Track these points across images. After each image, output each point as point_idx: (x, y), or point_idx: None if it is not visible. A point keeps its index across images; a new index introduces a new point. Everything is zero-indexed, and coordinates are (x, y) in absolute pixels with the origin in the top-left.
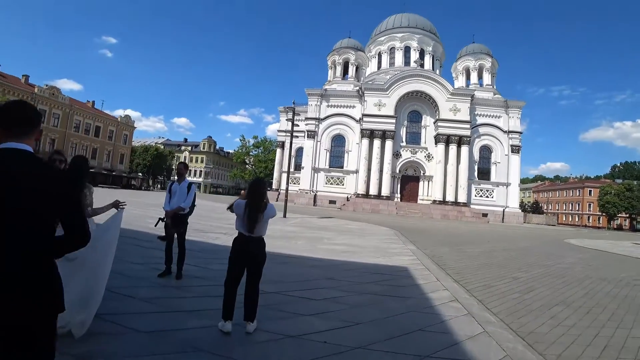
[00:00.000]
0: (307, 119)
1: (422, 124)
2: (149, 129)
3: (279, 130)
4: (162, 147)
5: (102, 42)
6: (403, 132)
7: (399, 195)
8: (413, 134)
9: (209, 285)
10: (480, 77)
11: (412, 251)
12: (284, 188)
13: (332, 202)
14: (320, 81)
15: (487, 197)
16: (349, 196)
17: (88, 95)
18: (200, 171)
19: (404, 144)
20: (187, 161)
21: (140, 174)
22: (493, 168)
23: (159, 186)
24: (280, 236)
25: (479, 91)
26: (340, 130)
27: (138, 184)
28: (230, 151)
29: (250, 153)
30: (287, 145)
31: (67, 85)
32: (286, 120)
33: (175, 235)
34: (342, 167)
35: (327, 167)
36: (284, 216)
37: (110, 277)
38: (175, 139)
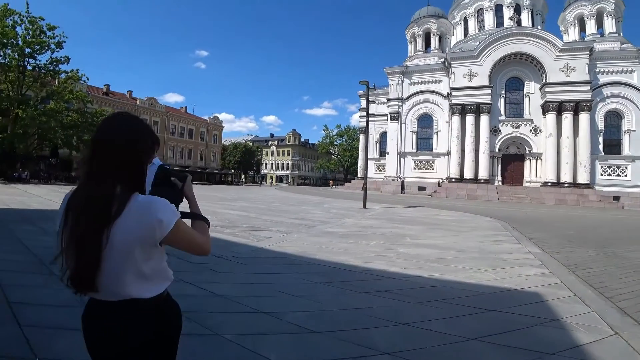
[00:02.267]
0: (388, 100)
1: (525, 92)
2: (242, 128)
3: (360, 116)
4: (251, 143)
5: (196, 56)
6: (501, 103)
7: (499, 178)
8: (514, 105)
9: None
10: (599, 25)
11: (536, 256)
12: (370, 176)
13: (421, 188)
14: (400, 59)
15: (617, 175)
16: (440, 181)
17: (189, 104)
18: (287, 164)
19: (502, 117)
20: (274, 156)
21: (232, 170)
22: (625, 138)
23: (243, 181)
24: (349, 234)
25: (599, 42)
26: (427, 109)
27: (231, 179)
28: (315, 142)
29: (335, 143)
30: (370, 131)
31: (172, 98)
32: (364, 101)
33: None
34: (430, 150)
35: (414, 150)
36: (364, 207)
37: None
38: (263, 136)
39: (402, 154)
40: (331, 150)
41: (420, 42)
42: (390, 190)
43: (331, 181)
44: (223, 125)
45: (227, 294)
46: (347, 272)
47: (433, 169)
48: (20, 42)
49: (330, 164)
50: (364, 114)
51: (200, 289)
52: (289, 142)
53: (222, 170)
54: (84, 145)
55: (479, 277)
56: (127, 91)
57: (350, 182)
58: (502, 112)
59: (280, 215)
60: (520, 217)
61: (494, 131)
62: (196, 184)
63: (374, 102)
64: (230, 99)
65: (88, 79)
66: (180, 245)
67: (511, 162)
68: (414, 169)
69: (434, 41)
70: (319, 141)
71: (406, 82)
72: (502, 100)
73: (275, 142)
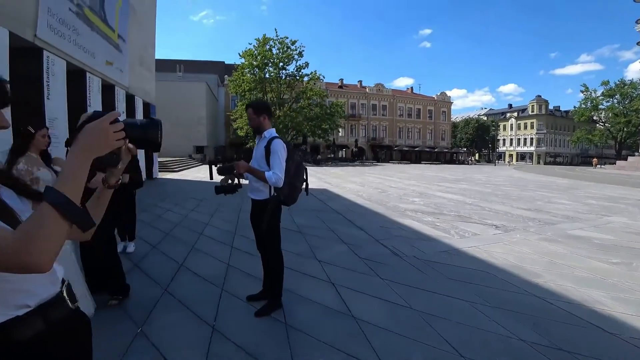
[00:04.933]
0: None
1: None
2: (475, 103)
3: None
4: (485, 118)
5: (420, 37)
6: None
7: None
8: None
9: None
10: None
11: None
12: None
13: None
14: None
15: None
16: None
17: (417, 85)
18: (530, 138)
19: None
20: (513, 130)
21: (463, 148)
22: None
23: (471, 160)
24: (615, 244)
25: None
26: None
27: (462, 158)
28: (569, 110)
29: (600, 106)
30: None
31: (402, 82)
32: None
33: None
34: None
35: None
36: None
37: None
38: (499, 108)
39: None
40: (594, 118)
41: None
42: None
43: (594, 159)
44: (452, 101)
45: (370, 321)
46: (598, 334)
47: None
48: (275, 60)
49: (593, 135)
50: None
51: (339, 299)
52: (532, 111)
53: (453, 148)
54: (323, 132)
55: None
56: (358, 81)
57: (627, 159)
58: None
59: (507, 202)
60: None
61: None
62: (424, 163)
63: None
64: (459, 73)
65: (324, 77)
66: None
67: None
68: None
69: None
70: (574, 107)
71: None
72: None
73: (515, 114)
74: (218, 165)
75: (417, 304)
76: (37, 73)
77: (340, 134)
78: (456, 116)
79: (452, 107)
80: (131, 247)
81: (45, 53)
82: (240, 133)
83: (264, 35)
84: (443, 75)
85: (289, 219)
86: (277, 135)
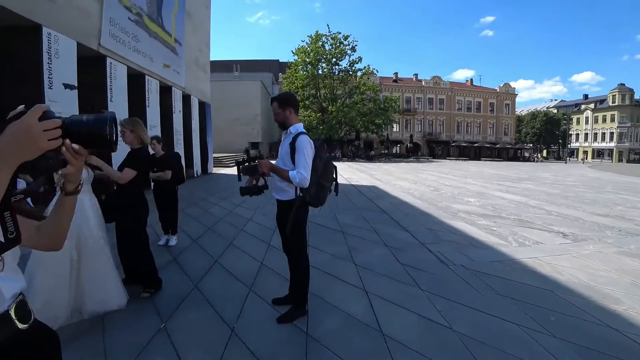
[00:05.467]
0: None
1: None
2: (544, 94)
3: None
4: (555, 110)
5: (481, 25)
6: None
7: None
8: None
9: None
10: None
11: None
12: None
13: None
14: None
15: None
16: None
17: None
18: (610, 133)
19: None
20: (588, 123)
21: (529, 144)
22: None
23: (538, 157)
24: None
25: None
26: None
27: (528, 154)
28: None
29: None
30: None
31: (462, 74)
32: None
33: None
34: None
35: None
36: None
37: None
38: (572, 99)
39: None
40: None
41: None
42: None
43: None
44: (516, 93)
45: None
46: None
47: None
48: (328, 56)
49: None
50: None
51: (369, 310)
52: (612, 102)
53: (517, 144)
54: (377, 128)
55: None
56: (413, 75)
57: None
58: None
59: (579, 206)
60: None
61: None
62: (484, 160)
63: None
64: (526, 63)
65: (378, 72)
66: None
67: None
68: None
69: None
70: None
71: None
72: None
73: (591, 105)
74: (242, 166)
75: (459, 324)
76: (101, 78)
77: (394, 130)
78: (521, 109)
79: (517, 99)
80: (173, 241)
81: (108, 60)
82: None
83: (317, 31)
84: (507, 66)
85: (332, 217)
86: (303, 131)
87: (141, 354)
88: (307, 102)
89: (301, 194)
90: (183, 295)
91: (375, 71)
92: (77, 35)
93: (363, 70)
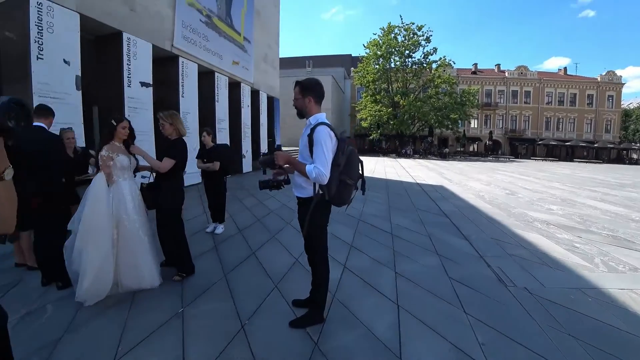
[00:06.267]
0: None
1: None
2: None
3: None
4: None
5: (580, 5)
6: None
7: None
8: None
9: None
10: None
11: None
12: None
13: None
14: None
15: None
16: None
17: (573, 66)
18: None
19: None
20: None
21: (637, 144)
22: None
23: None
24: None
25: None
26: None
27: (637, 156)
28: None
29: None
30: None
31: (554, 63)
32: None
33: None
34: None
35: None
36: None
37: None
38: None
39: None
40: None
41: None
42: None
43: None
44: (623, 82)
45: None
46: None
47: None
48: (400, 48)
49: None
50: None
51: (395, 329)
52: None
53: (621, 143)
54: (452, 123)
55: None
56: (495, 65)
57: None
58: None
59: None
60: None
61: None
62: (578, 161)
63: None
64: (637, 47)
65: (455, 63)
66: None
67: None
68: None
69: None
70: None
71: None
72: None
73: None
74: (260, 157)
75: None
76: (174, 76)
77: (472, 125)
78: (630, 101)
79: (624, 89)
80: (219, 229)
81: (180, 59)
82: (364, 124)
83: (389, 23)
84: (612, 51)
85: (385, 218)
86: (324, 121)
87: (153, 333)
88: (377, 97)
89: (320, 192)
90: (210, 284)
91: (451, 63)
92: (152, 38)
93: (438, 62)
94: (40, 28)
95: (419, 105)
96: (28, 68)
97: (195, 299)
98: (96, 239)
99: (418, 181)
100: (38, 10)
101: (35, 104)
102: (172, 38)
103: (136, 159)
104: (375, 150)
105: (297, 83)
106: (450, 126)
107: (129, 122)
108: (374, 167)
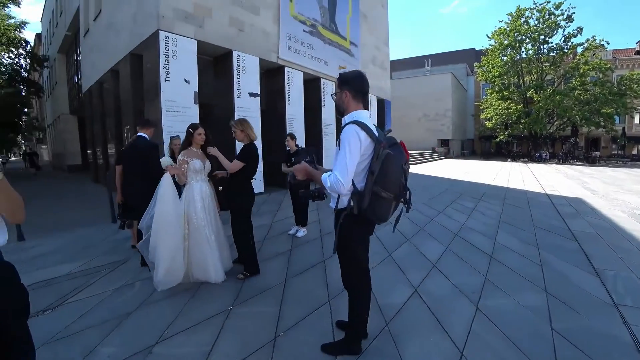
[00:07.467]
0: None
1: None
2: None
3: None
4: None
5: None
6: None
7: None
8: None
9: None
10: None
11: None
12: None
13: None
14: None
15: None
16: None
17: None
18: None
19: None
20: None
21: None
22: None
23: None
24: None
25: None
26: None
27: None
28: None
29: None
30: None
31: None
32: None
33: None
34: None
35: None
36: None
37: None
38: None
39: None
40: None
41: None
42: None
43: None
44: None
45: None
46: None
47: None
48: (533, 34)
49: None
50: None
51: None
52: None
53: None
54: (605, 120)
55: None
56: (637, 42)
57: None
58: None
59: None
60: None
61: None
62: None
63: None
64: None
65: (608, 43)
66: None
67: None
68: None
69: None
70: None
71: None
72: None
73: None
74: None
75: None
76: (280, 85)
77: (635, 121)
78: None
79: None
80: (300, 233)
81: (286, 69)
82: (489, 124)
83: (518, 6)
84: None
85: (489, 234)
86: (357, 119)
87: (199, 324)
88: (505, 93)
89: (352, 204)
90: (267, 287)
91: (604, 43)
92: (259, 52)
93: (585, 45)
94: (167, 56)
95: (559, 100)
96: (158, 89)
97: (247, 299)
98: (166, 235)
99: (548, 191)
100: (165, 43)
101: (164, 118)
102: (277, 50)
103: (211, 163)
104: (504, 153)
105: (339, 76)
106: (602, 123)
107: (205, 129)
108: (497, 173)
